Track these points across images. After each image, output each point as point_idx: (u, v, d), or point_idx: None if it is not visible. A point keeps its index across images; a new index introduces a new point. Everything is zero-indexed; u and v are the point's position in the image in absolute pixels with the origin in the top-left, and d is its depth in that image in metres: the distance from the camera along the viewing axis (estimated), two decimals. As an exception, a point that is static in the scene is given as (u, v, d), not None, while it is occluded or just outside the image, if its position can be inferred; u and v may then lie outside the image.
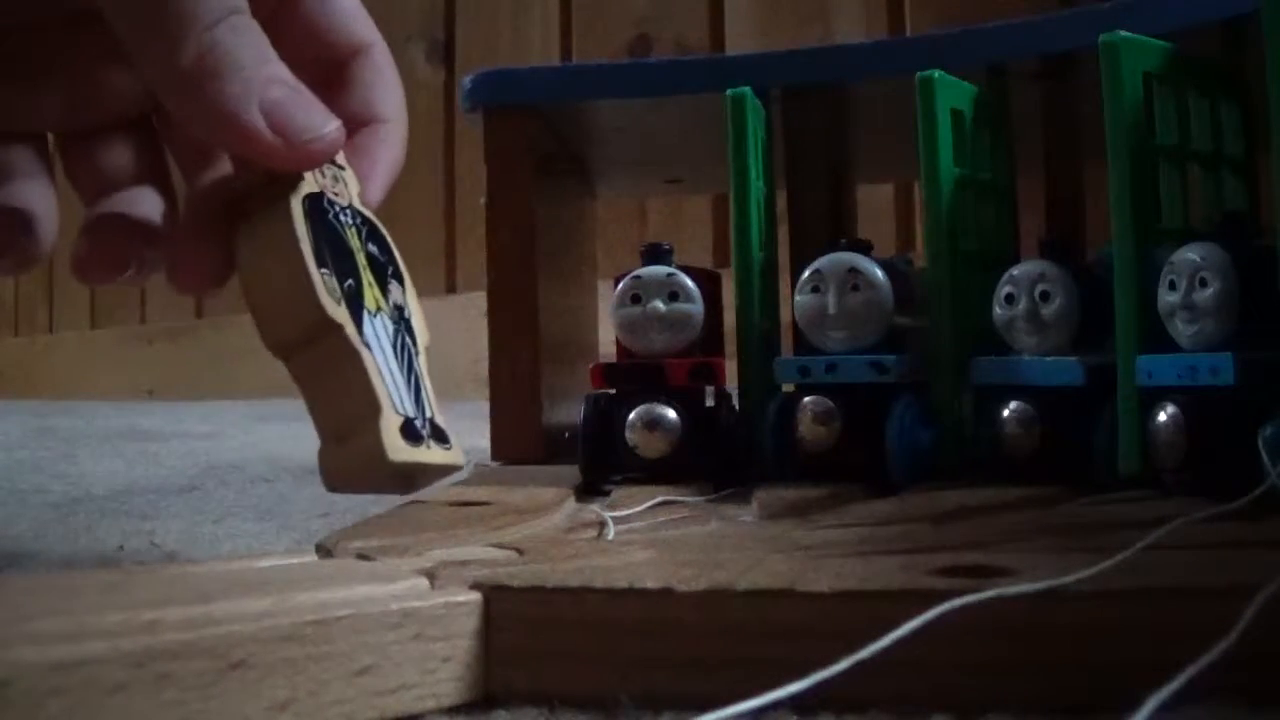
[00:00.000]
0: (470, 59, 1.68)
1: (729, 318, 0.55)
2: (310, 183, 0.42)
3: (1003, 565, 0.29)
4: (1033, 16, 0.55)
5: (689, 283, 0.53)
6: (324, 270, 0.40)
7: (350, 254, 0.43)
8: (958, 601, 0.25)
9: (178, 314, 2.20)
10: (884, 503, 0.46)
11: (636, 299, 0.53)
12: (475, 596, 0.28)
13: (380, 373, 0.41)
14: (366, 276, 0.43)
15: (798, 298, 0.52)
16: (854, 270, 0.50)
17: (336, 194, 0.43)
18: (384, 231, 0.46)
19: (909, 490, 0.48)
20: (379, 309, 0.42)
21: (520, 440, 0.61)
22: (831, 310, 0.50)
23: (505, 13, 1.68)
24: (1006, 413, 0.48)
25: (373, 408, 0.40)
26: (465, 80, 0.66)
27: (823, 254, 0.52)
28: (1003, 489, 0.46)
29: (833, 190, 0.64)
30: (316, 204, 0.42)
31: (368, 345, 0.41)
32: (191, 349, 2.14)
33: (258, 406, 1.62)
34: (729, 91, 0.54)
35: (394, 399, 0.41)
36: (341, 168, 0.45)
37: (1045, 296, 0.47)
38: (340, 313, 0.40)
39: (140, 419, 1.45)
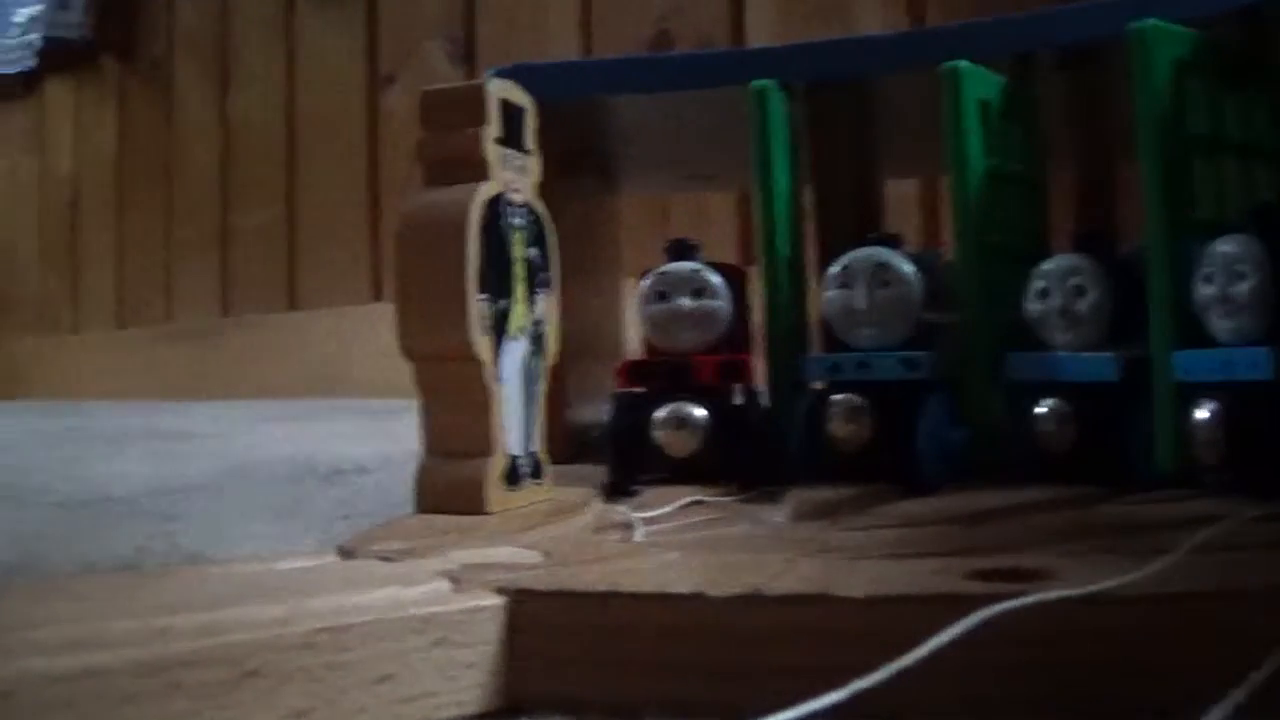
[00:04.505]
0: (491, 58, 1.67)
1: (758, 315, 0.54)
2: (495, 181, 0.41)
3: (1041, 568, 0.28)
4: (1061, 5, 0.54)
5: (715, 278, 0.53)
6: (482, 297, 0.40)
7: (510, 266, 0.42)
8: (998, 607, 0.24)
9: (204, 313, 2.20)
10: (915, 503, 0.45)
11: (662, 295, 0.52)
12: (499, 601, 0.28)
13: (503, 409, 0.41)
14: (519, 291, 0.43)
15: (826, 293, 0.51)
16: (883, 265, 0.50)
17: (516, 188, 0.43)
18: (548, 229, 0.45)
19: (941, 490, 0.47)
20: (520, 330, 0.42)
21: (546, 439, 0.60)
22: (860, 306, 0.49)
23: (525, 10, 1.67)
24: (1040, 410, 0.47)
25: (486, 448, 0.40)
26: (487, 75, 0.65)
27: (851, 249, 0.51)
28: (1037, 489, 0.45)
29: (859, 185, 0.63)
30: (494, 208, 0.41)
31: (499, 378, 0.41)
32: (218, 349, 2.13)
33: (284, 406, 1.62)
34: (752, 84, 0.53)
35: (507, 438, 0.41)
36: (528, 152, 0.44)
37: (1079, 291, 0.46)
38: (484, 346, 0.40)
39: (165, 419, 1.45)
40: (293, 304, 2.01)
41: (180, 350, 2.25)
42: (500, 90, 0.42)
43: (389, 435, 1.08)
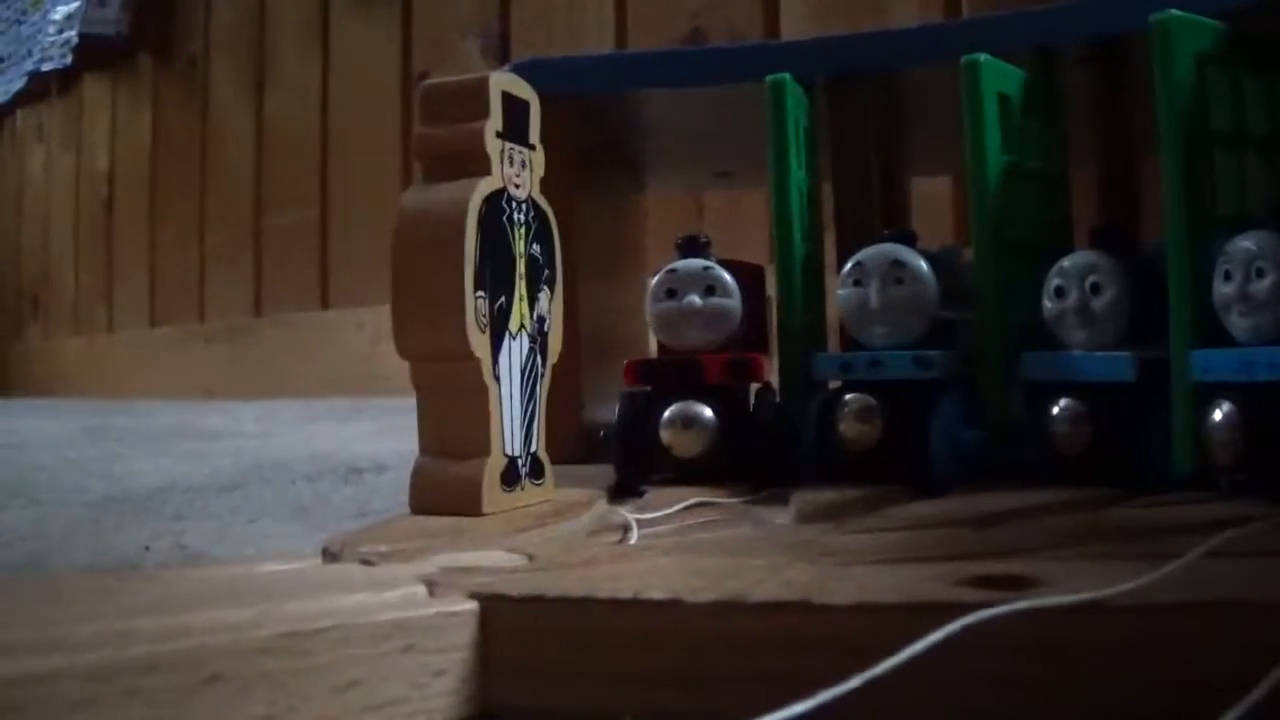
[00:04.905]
0: (525, 54, 1.67)
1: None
2: (496, 176, 0.41)
3: (1040, 575, 0.27)
4: (1085, -1, 0.53)
5: (726, 276, 0.52)
6: (479, 294, 0.39)
7: (511, 263, 0.42)
8: (978, 616, 0.23)
9: (237, 312, 2.20)
10: (926, 505, 0.44)
11: (672, 293, 0.52)
12: (472, 606, 0.27)
13: (501, 409, 0.40)
14: (519, 289, 0.42)
15: (839, 291, 0.50)
16: (897, 263, 0.49)
17: (518, 184, 0.42)
18: (552, 226, 0.44)
19: (953, 491, 0.46)
20: (521, 328, 0.42)
21: (559, 439, 0.59)
22: (873, 304, 0.48)
23: (560, 7, 1.66)
24: (1056, 410, 0.46)
25: (483, 448, 0.40)
26: (504, 69, 0.64)
27: (866, 246, 0.50)
28: (1051, 490, 0.44)
29: (883, 182, 0.62)
30: (494, 204, 0.41)
31: (498, 378, 0.40)
32: (250, 348, 2.14)
33: (314, 406, 1.62)
34: (768, 77, 0.52)
35: (505, 438, 0.40)
36: (532, 147, 0.43)
37: (1096, 289, 0.45)
38: (482, 344, 0.39)
39: (194, 418, 1.45)
40: (325, 303, 2.01)
41: (213, 349, 2.26)
42: (503, 83, 0.41)
43: (413, 433, 1.08)
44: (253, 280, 2.18)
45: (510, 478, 0.41)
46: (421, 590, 0.28)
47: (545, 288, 0.44)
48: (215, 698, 0.23)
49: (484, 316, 0.40)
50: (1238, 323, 0.40)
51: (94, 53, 2.55)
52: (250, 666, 0.24)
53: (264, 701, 0.24)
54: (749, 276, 0.54)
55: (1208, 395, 0.41)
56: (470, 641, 0.26)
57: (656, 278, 0.52)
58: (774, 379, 0.53)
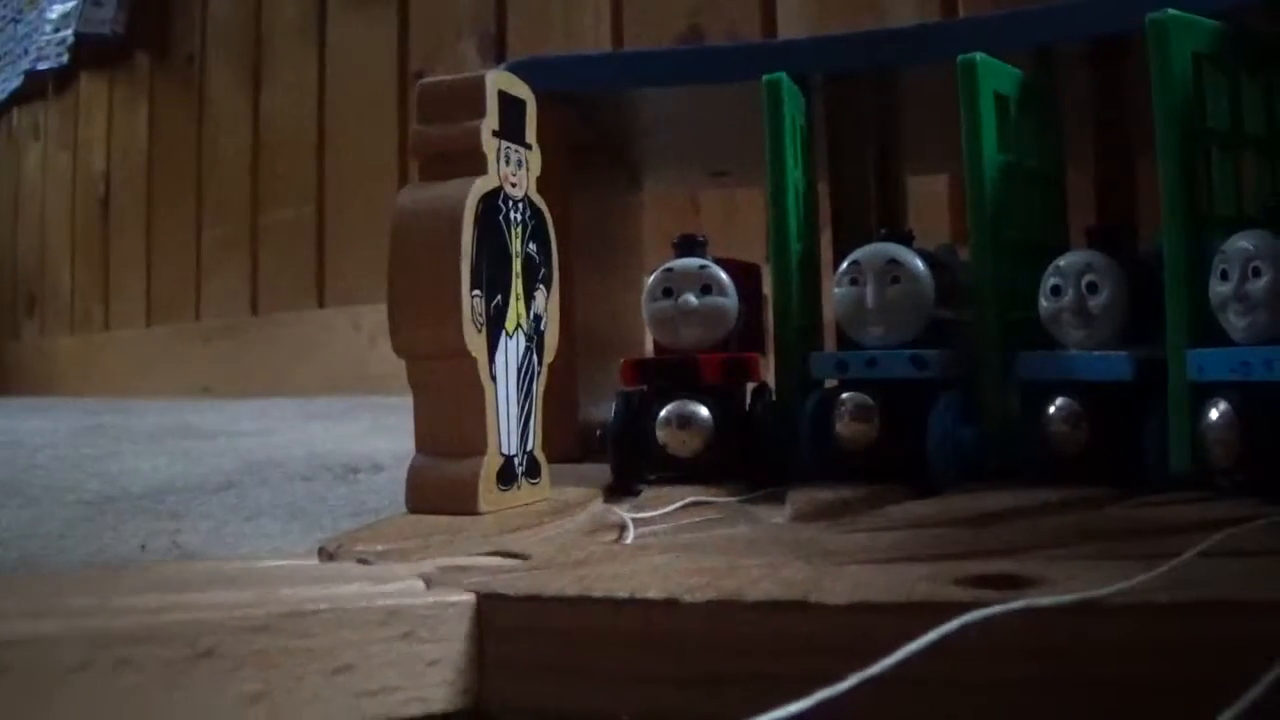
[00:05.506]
0: (522, 53, 1.67)
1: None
2: (493, 175, 0.40)
3: (1036, 575, 0.27)
4: (1083, -2, 0.53)
5: (722, 275, 0.52)
6: (475, 293, 0.39)
7: (508, 262, 0.42)
8: (978, 614, 0.23)
9: (234, 311, 2.20)
10: (922, 504, 0.44)
11: (668, 292, 0.51)
12: (468, 596, 0.27)
13: (497, 408, 0.40)
14: (516, 288, 0.42)
15: (836, 290, 0.50)
16: (894, 261, 0.49)
17: (515, 183, 0.42)
18: (549, 225, 0.44)
19: (950, 491, 0.46)
20: (517, 327, 0.42)
21: (555, 438, 0.59)
22: (870, 303, 0.48)
23: (557, 6, 1.66)
24: (1053, 410, 0.46)
25: (480, 447, 0.40)
26: (501, 68, 0.64)
27: (863, 245, 0.50)
28: (1048, 490, 0.44)
29: (880, 181, 0.62)
30: (491, 203, 0.40)
31: (494, 376, 0.40)
32: (247, 346, 2.14)
33: (310, 404, 1.62)
34: (765, 77, 0.52)
35: (502, 437, 0.40)
36: (529, 146, 0.43)
37: (1092, 288, 0.45)
38: (478, 343, 0.39)
39: (191, 416, 1.45)
40: (322, 302, 2.01)
41: (209, 348, 2.26)
42: (499, 82, 0.41)
43: (409, 433, 1.08)
44: (250, 279, 2.18)
45: (506, 477, 0.41)
46: (418, 584, 0.28)
47: (541, 286, 0.44)
48: (208, 672, 0.23)
49: (480, 315, 0.40)
50: (1234, 322, 0.40)
51: (90, 51, 2.55)
52: (244, 644, 0.24)
53: (257, 680, 0.24)
54: (745, 275, 0.54)
55: (1204, 395, 0.41)
56: (466, 633, 0.26)
57: (653, 277, 0.52)
58: (770, 378, 0.53)
